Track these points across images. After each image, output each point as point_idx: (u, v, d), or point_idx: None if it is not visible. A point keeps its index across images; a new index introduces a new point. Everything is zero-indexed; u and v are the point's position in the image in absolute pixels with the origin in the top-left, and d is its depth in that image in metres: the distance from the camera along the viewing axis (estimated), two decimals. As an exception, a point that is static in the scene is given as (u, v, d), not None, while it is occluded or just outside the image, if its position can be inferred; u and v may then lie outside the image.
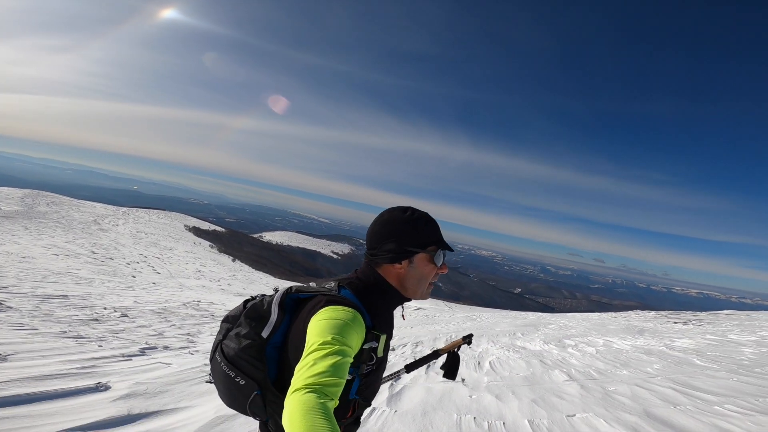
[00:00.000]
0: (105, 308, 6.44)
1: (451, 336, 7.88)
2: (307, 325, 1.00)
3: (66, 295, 7.08)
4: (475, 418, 3.20)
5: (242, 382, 1.09)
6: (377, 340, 1.07)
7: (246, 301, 1.21)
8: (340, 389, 0.92)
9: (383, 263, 1.14)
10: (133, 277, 16.97)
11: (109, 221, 35.18)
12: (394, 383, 3.88)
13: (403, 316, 1.30)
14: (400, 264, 1.13)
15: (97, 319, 5.41)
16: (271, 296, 1.17)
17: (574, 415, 3.32)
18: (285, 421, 0.90)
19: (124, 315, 6.13)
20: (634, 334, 8.45)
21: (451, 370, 1.46)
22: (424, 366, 5.05)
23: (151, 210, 56.15)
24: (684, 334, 8.39)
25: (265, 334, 1.11)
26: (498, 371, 4.98)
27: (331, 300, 1.03)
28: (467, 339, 1.58)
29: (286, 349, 1.10)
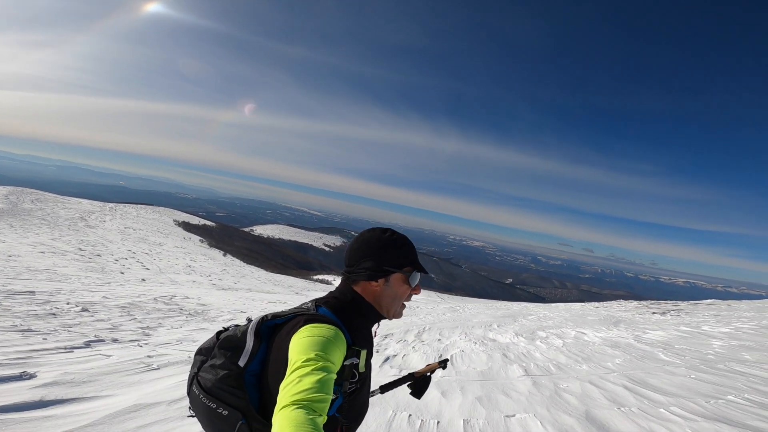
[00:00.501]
0: (68, 303, 6.51)
1: (425, 328, 8.02)
2: (287, 346, 1.00)
3: (33, 292, 7.15)
4: (410, 415, 3.07)
5: (225, 413, 1.09)
6: (358, 356, 1.09)
7: (218, 333, 1.22)
8: (327, 405, 0.93)
9: (360, 280, 1.17)
10: (122, 273, 16.91)
11: (95, 217, 34.71)
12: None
13: (375, 332, 1.27)
14: (377, 282, 1.16)
15: (54, 314, 5.49)
16: (245, 326, 1.18)
17: (514, 416, 3.20)
18: None
19: (84, 310, 6.22)
20: (609, 326, 8.62)
21: (419, 390, 1.49)
22: (383, 359, 5.13)
23: (139, 205, 55.43)
24: (659, 325, 8.66)
25: (241, 363, 1.11)
26: (457, 366, 4.86)
27: (310, 319, 1.05)
28: (443, 364, 1.60)
29: (265, 375, 1.09)
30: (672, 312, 11.98)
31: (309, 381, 0.92)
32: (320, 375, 0.93)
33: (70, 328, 4.76)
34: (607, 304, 16.92)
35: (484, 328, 8.55)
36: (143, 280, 16.34)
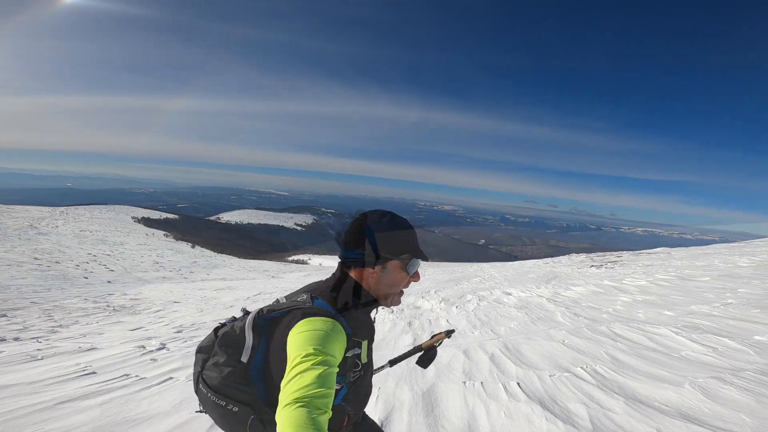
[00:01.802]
0: None
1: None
2: (285, 341, 1.00)
3: None
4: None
5: (236, 410, 1.11)
6: (359, 346, 1.09)
7: (216, 329, 1.22)
8: (330, 400, 0.90)
9: (356, 267, 1.13)
10: (85, 278, 16.56)
11: (46, 223, 32.78)
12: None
13: (374, 318, 1.23)
14: (373, 269, 1.12)
15: None
16: (242, 320, 1.18)
17: None
18: None
19: (3, 315, 6.66)
20: (540, 284, 9.22)
21: (426, 361, 1.50)
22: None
23: (92, 206, 52.48)
24: (586, 279, 9.44)
25: (244, 359, 1.12)
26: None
27: (306, 312, 1.03)
28: (449, 333, 1.59)
29: (269, 369, 1.10)
30: (609, 264, 12.89)
31: (309, 377, 0.89)
32: (320, 369, 0.90)
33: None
34: (557, 259, 18.32)
35: (416, 296, 8.79)
36: (109, 282, 16.14)
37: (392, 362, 1.55)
